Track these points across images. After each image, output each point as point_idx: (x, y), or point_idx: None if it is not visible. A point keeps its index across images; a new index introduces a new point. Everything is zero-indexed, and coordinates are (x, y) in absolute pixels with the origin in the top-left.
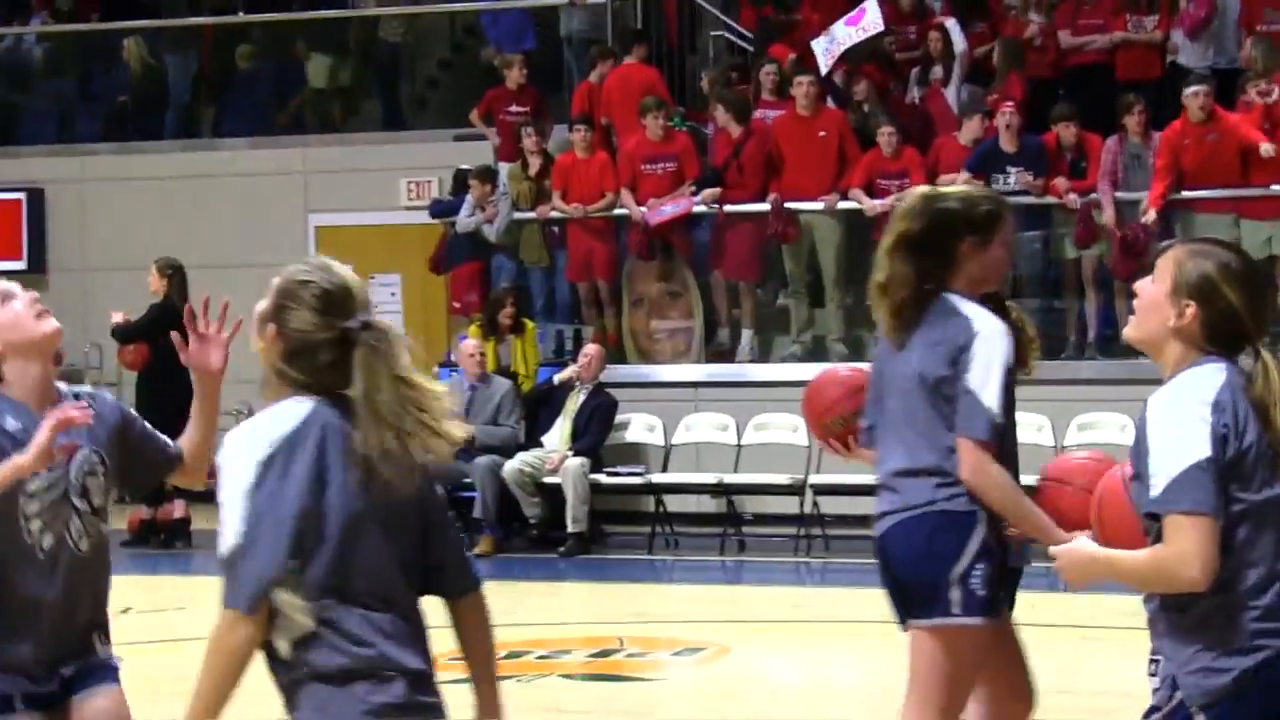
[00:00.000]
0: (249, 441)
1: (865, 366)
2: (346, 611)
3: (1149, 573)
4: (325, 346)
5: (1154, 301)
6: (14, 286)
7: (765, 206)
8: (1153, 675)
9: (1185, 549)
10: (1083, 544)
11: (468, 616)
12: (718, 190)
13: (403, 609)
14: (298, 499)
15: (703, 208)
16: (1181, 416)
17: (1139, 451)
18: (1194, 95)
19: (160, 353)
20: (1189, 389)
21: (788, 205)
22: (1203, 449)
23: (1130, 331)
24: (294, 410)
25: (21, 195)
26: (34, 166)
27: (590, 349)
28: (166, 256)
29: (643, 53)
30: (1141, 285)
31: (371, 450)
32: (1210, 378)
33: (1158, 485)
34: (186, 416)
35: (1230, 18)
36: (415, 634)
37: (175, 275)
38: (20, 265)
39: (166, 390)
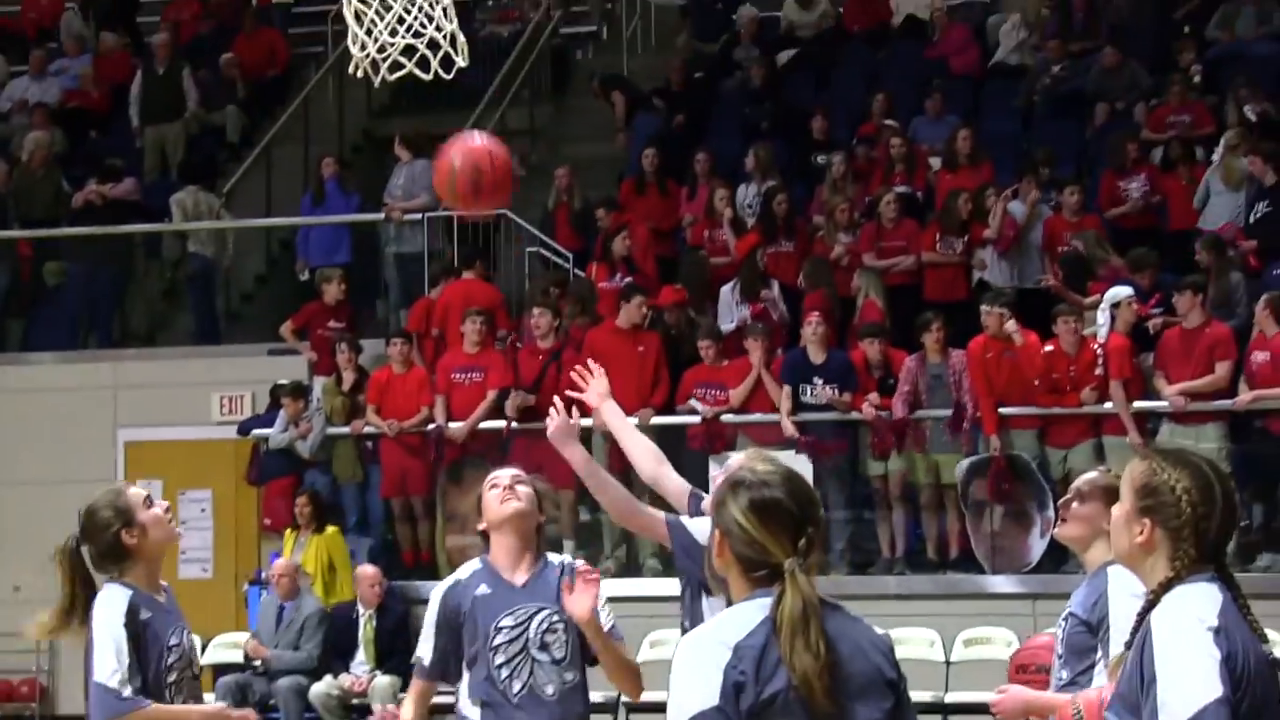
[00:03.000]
0: None
1: None
2: None
3: None
4: None
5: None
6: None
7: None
8: None
9: None
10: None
11: None
12: (529, 399)
13: None
14: None
15: (492, 424)
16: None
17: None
18: (989, 314)
19: None
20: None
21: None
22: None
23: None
24: None
25: None
26: None
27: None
28: None
29: (481, 269)
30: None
31: None
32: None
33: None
34: None
35: (1034, 239)
36: None
37: None
38: None
39: None
